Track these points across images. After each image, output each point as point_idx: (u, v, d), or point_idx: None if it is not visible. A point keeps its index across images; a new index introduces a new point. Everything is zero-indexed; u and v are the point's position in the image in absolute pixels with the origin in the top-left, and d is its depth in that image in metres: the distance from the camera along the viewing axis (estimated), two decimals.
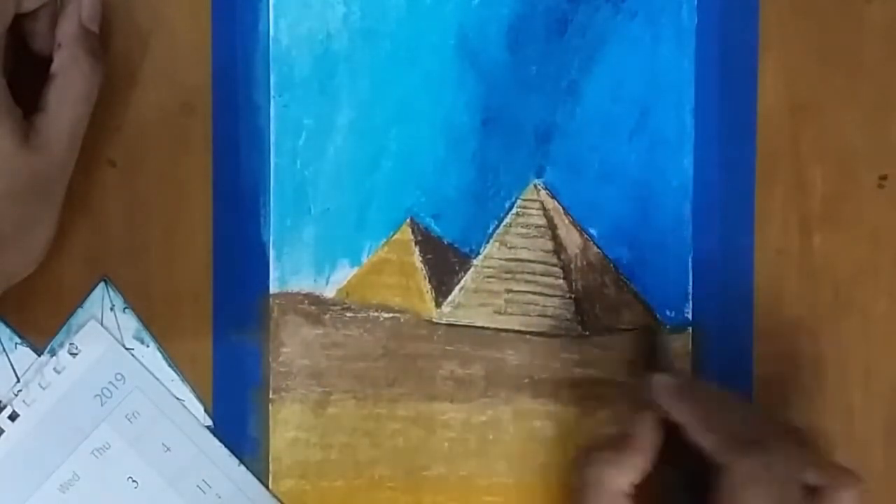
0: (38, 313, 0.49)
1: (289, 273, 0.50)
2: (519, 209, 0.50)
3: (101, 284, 0.49)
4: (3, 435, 0.49)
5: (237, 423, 0.50)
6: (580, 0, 0.50)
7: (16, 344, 0.49)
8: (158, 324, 0.50)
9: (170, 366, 0.50)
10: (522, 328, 0.50)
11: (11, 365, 0.49)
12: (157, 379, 0.49)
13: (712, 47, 0.50)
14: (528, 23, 0.50)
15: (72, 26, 0.45)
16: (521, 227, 0.50)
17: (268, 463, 0.50)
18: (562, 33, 0.50)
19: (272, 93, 0.50)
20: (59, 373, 0.49)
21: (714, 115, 0.50)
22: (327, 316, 0.50)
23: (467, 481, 0.51)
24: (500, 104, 0.50)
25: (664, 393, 0.46)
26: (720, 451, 0.43)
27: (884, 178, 0.51)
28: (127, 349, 0.49)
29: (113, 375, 0.49)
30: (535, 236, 0.50)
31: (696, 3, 0.50)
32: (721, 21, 0.50)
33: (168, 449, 0.49)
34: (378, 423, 0.50)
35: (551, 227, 0.50)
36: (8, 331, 0.49)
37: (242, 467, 0.50)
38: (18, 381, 0.49)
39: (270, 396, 0.50)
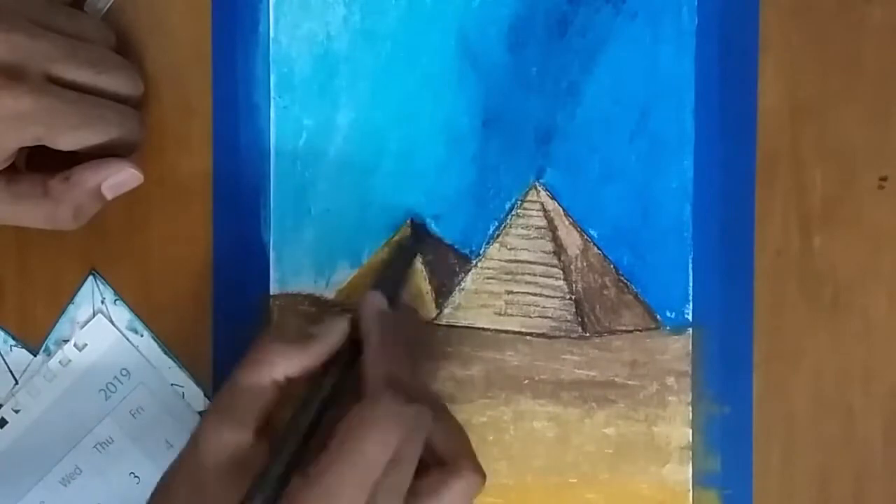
0: (35, 315, 0.49)
1: (289, 274, 0.50)
2: (519, 210, 0.50)
3: (90, 279, 0.49)
4: (7, 426, 0.49)
5: None
6: (580, 1, 0.50)
7: (11, 346, 0.49)
8: (159, 325, 0.49)
9: (166, 353, 0.50)
10: (523, 329, 0.50)
11: (8, 367, 0.49)
12: (162, 375, 0.49)
13: (712, 48, 0.50)
14: (528, 24, 0.50)
15: None
16: (522, 228, 0.50)
17: None
18: (562, 34, 0.50)
19: (272, 94, 0.49)
20: (64, 366, 0.49)
21: (714, 116, 0.50)
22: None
23: None
24: (500, 105, 0.50)
25: (368, 308, 0.46)
26: (369, 386, 0.43)
27: (884, 178, 0.51)
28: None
29: (118, 370, 0.49)
30: (535, 237, 0.50)
31: (696, 4, 0.50)
32: (721, 22, 0.50)
33: (171, 445, 0.49)
34: None
35: (552, 228, 0.50)
36: (2, 333, 0.49)
37: None
38: (17, 382, 0.49)
39: None
